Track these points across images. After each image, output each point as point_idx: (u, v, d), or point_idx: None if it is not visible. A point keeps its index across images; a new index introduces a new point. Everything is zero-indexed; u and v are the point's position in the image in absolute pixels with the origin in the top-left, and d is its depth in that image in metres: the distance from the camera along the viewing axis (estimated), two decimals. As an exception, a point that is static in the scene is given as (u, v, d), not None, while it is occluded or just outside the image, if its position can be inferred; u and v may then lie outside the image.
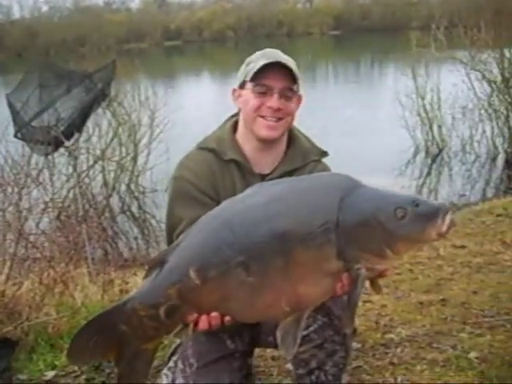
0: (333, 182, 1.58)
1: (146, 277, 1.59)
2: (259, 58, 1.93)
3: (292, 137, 2.05)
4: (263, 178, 1.96)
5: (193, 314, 1.55)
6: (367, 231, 1.48)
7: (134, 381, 1.63)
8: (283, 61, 1.90)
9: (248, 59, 1.99)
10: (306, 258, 1.48)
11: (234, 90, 2.01)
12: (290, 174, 1.98)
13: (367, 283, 1.58)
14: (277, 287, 1.50)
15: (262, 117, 1.92)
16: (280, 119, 1.93)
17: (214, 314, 1.55)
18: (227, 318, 1.56)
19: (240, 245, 1.49)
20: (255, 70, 1.89)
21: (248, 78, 1.92)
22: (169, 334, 1.62)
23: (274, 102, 1.90)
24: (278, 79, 1.90)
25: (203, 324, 1.56)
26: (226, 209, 1.60)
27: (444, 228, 1.47)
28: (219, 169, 1.96)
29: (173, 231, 1.91)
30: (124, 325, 1.55)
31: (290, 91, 1.93)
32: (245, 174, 1.96)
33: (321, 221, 1.48)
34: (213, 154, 1.98)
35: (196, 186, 1.92)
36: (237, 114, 2.07)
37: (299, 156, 2.02)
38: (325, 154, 2.07)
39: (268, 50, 1.98)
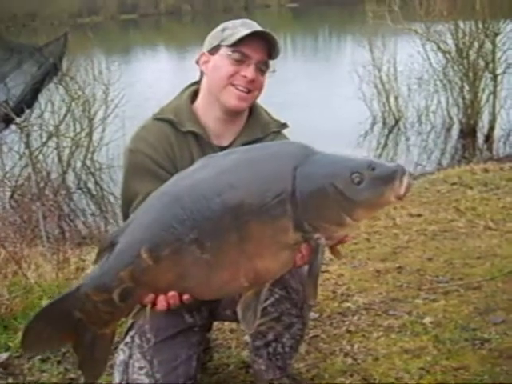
0: (285, 150, 1.53)
1: (96, 261, 1.52)
2: (238, 26, 1.86)
3: (252, 109, 1.99)
4: (222, 149, 1.88)
5: (149, 295, 1.51)
6: (324, 199, 1.44)
7: (95, 366, 1.59)
8: (268, 33, 1.83)
9: (223, 25, 1.91)
10: (262, 231, 1.43)
11: (202, 55, 1.92)
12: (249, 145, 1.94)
13: (327, 250, 1.54)
14: (233, 263, 1.45)
15: (233, 85, 1.85)
16: (250, 91, 1.87)
17: (171, 293, 1.50)
18: (186, 297, 1.52)
19: (192, 221, 1.43)
20: (239, 36, 1.81)
21: (227, 43, 1.84)
22: (126, 317, 1.58)
23: (250, 71, 1.84)
24: (257, 50, 1.84)
25: (161, 304, 1.52)
26: (176, 184, 1.53)
27: (402, 190, 1.44)
28: (176, 140, 1.89)
29: (129, 206, 1.85)
30: (78, 311, 1.50)
31: (265, 65, 1.88)
32: (203, 145, 1.89)
33: (275, 191, 1.42)
34: (170, 125, 1.90)
35: (152, 159, 1.84)
36: (196, 83, 2.00)
37: (259, 127, 1.97)
38: (284, 125, 2.03)
39: (247, 20, 1.91)
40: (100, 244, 1.57)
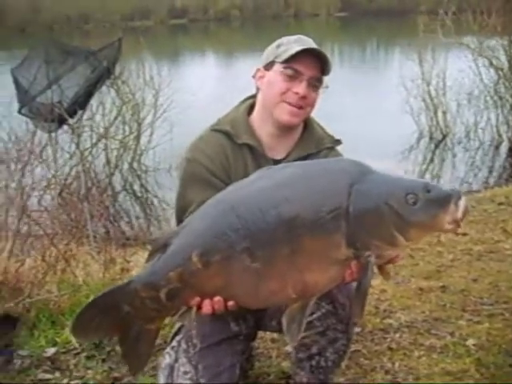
0: (342, 167, 1.55)
1: (148, 259, 1.59)
2: (292, 43, 1.90)
3: (306, 124, 2.03)
4: (276, 163, 1.93)
5: (195, 298, 1.55)
6: (378, 218, 1.45)
7: (138, 360, 1.65)
8: (320, 50, 1.88)
9: (278, 41, 1.96)
10: (314, 245, 1.45)
11: (258, 70, 1.98)
12: (303, 160, 1.94)
13: (376, 269, 1.55)
14: (283, 274, 1.48)
15: (286, 102, 1.89)
16: (302, 108, 1.91)
17: (217, 298, 1.54)
18: (231, 303, 1.56)
19: (245, 230, 1.47)
20: (291, 52, 1.86)
21: (280, 60, 1.89)
22: (171, 316, 1.63)
23: (301, 88, 1.88)
24: (309, 67, 1.88)
25: (206, 308, 1.56)
26: (232, 193, 1.58)
27: (458, 214, 1.43)
28: (232, 152, 1.94)
29: (183, 213, 1.90)
30: (127, 305, 1.56)
31: (317, 81, 1.91)
32: (258, 158, 1.94)
33: (330, 207, 1.45)
34: (226, 137, 1.95)
35: (208, 169, 1.90)
36: (252, 96, 2.05)
37: (313, 143, 2.01)
38: (338, 142, 2.06)
39: (302, 37, 1.96)
40: (153, 244, 1.64)
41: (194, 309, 1.57)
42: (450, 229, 1.48)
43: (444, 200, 1.45)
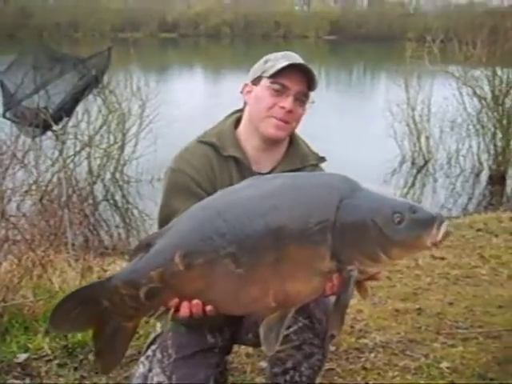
0: (332, 181, 1.58)
1: (131, 258, 1.60)
2: (280, 58, 1.93)
3: (292, 140, 2.05)
4: None
5: (174, 299, 1.55)
6: (364, 233, 1.49)
7: (111, 357, 1.64)
8: (306, 66, 1.90)
9: (266, 57, 1.98)
10: (299, 255, 1.47)
11: (246, 85, 2.00)
12: None
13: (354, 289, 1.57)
14: (265, 282, 1.49)
15: (273, 117, 1.91)
16: (288, 122, 1.93)
17: (195, 301, 1.55)
18: (209, 308, 1.56)
19: (232, 235, 1.48)
20: (278, 67, 1.88)
21: (267, 75, 1.91)
22: (149, 316, 1.63)
23: (288, 102, 1.90)
24: (296, 82, 1.91)
25: (184, 310, 1.56)
26: (220, 198, 1.59)
27: (439, 237, 1.48)
28: (218, 164, 1.95)
29: (166, 223, 1.88)
30: (106, 300, 1.56)
31: (304, 96, 1.94)
32: (243, 171, 1.95)
33: (318, 219, 1.48)
34: (212, 149, 1.97)
35: (193, 179, 1.91)
36: (239, 110, 2.07)
37: (298, 158, 2.03)
38: (322, 159, 2.08)
39: (289, 53, 1.98)
40: (137, 244, 1.64)
41: (172, 310, 1.57)
42: (430, 248, 1.52)
43: (428, 222, 1.49)
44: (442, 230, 1.48)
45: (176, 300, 1.55)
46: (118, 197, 8.61)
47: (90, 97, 7.51)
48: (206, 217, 1.53)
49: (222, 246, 1.48)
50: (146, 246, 1.57)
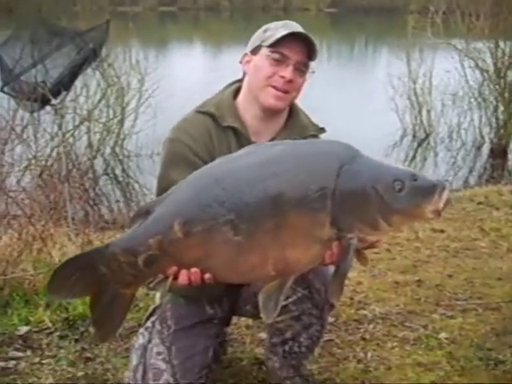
0: (333, 148, 1.56)
1: (130, 225, 1.59)
2: (280, 27, 1.89)
3: (292, 110, 2.03)
4: None
5: (172, 267, 1.55)
6: (364, 201, 1.48)
7: (108, 325, 1.65)
8: (306, 35, 1.87)
9: (265, 26, 1.95)
10: (299, 222, 1.46)
11: (245, 55, 1.97)
12: None
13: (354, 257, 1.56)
14: (264, 249, 1.48)
15: (273, 87, 1.89)
16: (287, 92, 1.90)
17: (193, 269, 1.54)
18: (208, 276, 1.55)
19: (231, 203, 1.47)
20: (277, 36, 1.85)
21: (266, 44, 1.88)
22: (147, 284, 1.62)
23: (288, 72, 1.87)
24: (296, 51, 1.88)
25: (182, 278, 1.55)
26: (219, 166, 1.57)
27: (440, 205, 1.47)
28: (216, 134, 1.93)
29: (164, 192, 1.88)
30: (104, 267, 1.56)
31: (304, 66, 1.91)
32: (242, 141, 1.92)
33: (318, 186, 1.46)
34: (211, 119, 1.94)
35: (191, 149, 1.89)
36: (239, 81, 2.04)
37: (297, 129, 2.01)
38: (322, 130, 2.06)
39: (289, 22, 1.95)
40: (136, 210, 1.64)
41: (171, 278, 1.57)
42: (431, 217, 1.51)
43: (429, 190, 1.48)
44: (444, 198, 1.47)
45: (174, 268, 1.55)
46: (118, 171, 8.59)
47: (89, 71, 7.45)
48: (205, 184, 1.53)
49: (221, 213, 1.47)
50: (144, 213, 1.56)
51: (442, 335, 2.67)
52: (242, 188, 1.48)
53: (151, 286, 1.60)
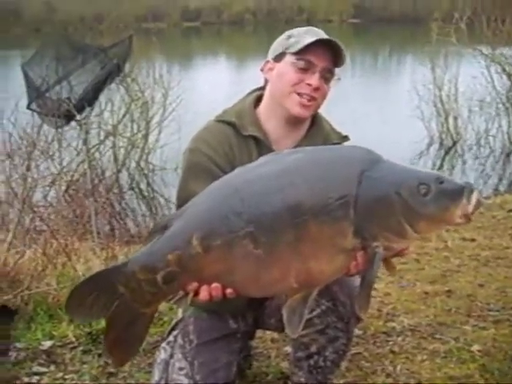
0: (353, 154, 1.50)
1: (147, 241, 1.54)
2: (303, 34, 1.85)
3: (315, 118, 1.98)
4: None
5: (192, 283, 1.49)
6: (388, 207, 1.41)
7: (128, 347, 1.59)
8: (333, 40, 1.82)
9: (288, 32, 1.91)
10: (320, 232, 1.40)
11: (267, 62, 1.92)
12: None
13: (381, 265, 1.49)
14: (286, 262, 1.42)
15: (298, 93, 1.84)
16: (313, 99, 1.85)
17: (214, 284, 1.49)
18: (229, 291, 1.50)
19: (249, 214, 1.42)
20: (304, 43, 1.81)
21: (291, 51, 1.84)
22: (167, 301, 1.58)
23: (314, 79, 1.82)
24: (322, 58, 1.83)
25: (204, 294, 1.50)
26: (237, 176, 1.52)
27: (470, 208, 1.39)
28: (237, 143, 1.89)
29: (184, 204, 1.85)
30: (122, 286, 1.51)
31: (330, 73, 1.86)
32: (263, 150, 1.86)
33: (339, 194, 1.40)
34: (232, 128, 1.90)
35: (211, 159, 1.85)
36: (260, 89, 2.00)
37: (320, 138, 1.95)
38: (346, 138, 2.01)
39: (312, 28, 1.91)
40: (153, 225, 1.59)
41: (191, 294, 1.52)
42: (461, 222, 1.43)
43: (456, 193, 1.41)
44: (473, 200, 1.39)
45: (195, 284, 1.50)
46: (143, 185, 8.64)
47: (113, 86, 7.54)
48: (223, 196, 1.48)
49: (240, 225, 1.42)
50: (162, 228, 1.51)
51: (475, 347, 2.57)
52: (260, 199, 1.43)
53: (171, 302, 1.56)
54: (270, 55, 1.93)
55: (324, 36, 1.86)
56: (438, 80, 9.79)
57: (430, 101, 9.83)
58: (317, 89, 1.84)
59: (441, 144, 9.99)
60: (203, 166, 1.85)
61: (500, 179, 8.67)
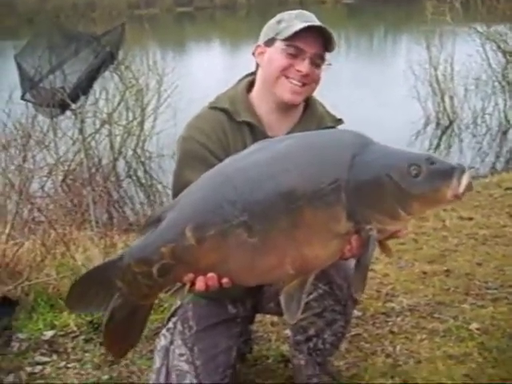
0: (343, 137, 1.51)
1: (142, 233, 1.54)
2: (294, 19, 1.84)
3: (308, 102, 1.97)
4: None
5: (188, 275, 1.50)
6: (380, 189, 1.42)
7: (126, 340, 1.61)
8: (323, 27, 1.81)
9: (279, 16, 1.89)
10: (314, 217, 1.41)
11: (258, 46, 1.92)
12: None
13: (376, 247, 1.50)
14: (281, 249, 1.43)
15: (287, 77, 1.83)
16: (305, 84, 1.85)
17: (210, 274, 1.49)
18: (225, 280, 1.50)
19: (243, 203, 1.42)
20: (293, 30, 1.79)
21: (281, 37, 1.83)
22: (164, 293, 1.58)
23: (304, 66, 1.82)
24: (312, 44, 1.82)
25: (200, 285, 1.51)
26: (229, 165, 1.52)
27: (461, 189, 1.40)
28: (231, 130, 1.88)
29: (179, 193, 1.83)
30: (119, 280, 1.52)
31: (320, 58, 1.85)
32: (257, 136, 1.86)
33: (330, 178, 1.41)
34: (225, 114, 1.90)
35: (206, 147, 1.84)
36: (252, 74, 1.99)
37: (314, 122, 1.95)
38: (340, 121, 2.00)
39: (303, 12, 1.89)
40: (147, 218, 1.59)
41: (188, 285, 1.52)
42: (451, 201, 1.44)
43: (447, 173, 1.41)
44: (464, 180, 1.40)
45: (191, 275, 1.50)
46: (140, 173, 8.63)
47: (107, 74, 7.49)
48: (215, 185, 1.48)
49: (234, 214, 1.42)
50: (156, 220, 1.51)
51: (473, 326, 2.59)
52: (252, 186, 1.43)
53: (168, 294, 1.56)
54: (261, 39, 1.92)
55: (315, 21, 1.85)
56: (434, 59, 9.73)
57: (426, 80, 9.78)
58: (306, 75, 1.83)
59: (437, 124, 9.96)
60: (197, 153, 1.85)
61: (497, 157, 8.65)
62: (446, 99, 9.91)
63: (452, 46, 9.74)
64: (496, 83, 9.65)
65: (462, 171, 1.41)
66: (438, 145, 9.37)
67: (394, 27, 26.07)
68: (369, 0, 47.17)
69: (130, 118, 8.76)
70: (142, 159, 8.90)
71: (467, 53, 9.26)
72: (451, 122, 9.96)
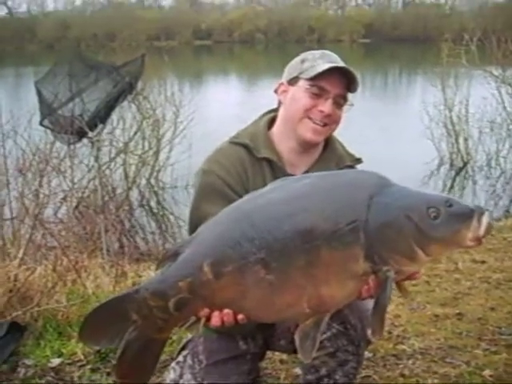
0: (362, 178, 1.51)
1: (158, 267, 1.54)
2: (317, 58, 1.87)
3: (328, 141, 1.98)
4: None
5: (204, 309, 1.49)
6: (398, 231, 1.41)
7: (140, 374, 1.58)
8: (347, 68, 1.84)
9: (302, 56, 1.92)
10: (332, 257, 1.40)
11: (281, 84, 1.94)
12: None
13: (393, 288, 1.49)
14: (298, 287, 1.42)
15: (310, 118, 1.85)
16: (326, 125, 1.87)
17: (226, 310, 1.48)
18: (241, 316, 1.49)
19: (260, 240, 1.42)
20: (318, 70, 1.82)
21: (305, 76, 1.85)
22: (179, 327, 1.57)
23: (326, 106, 1.84)
24: (335, 85, 1.84)
25: (215, 320, 1.50)
26: (248, 202, 1.52)
27: (481, 231, 1.39)
28: (251, 166, 1.89)
29: (196, 226, 1.78)
30: (135, 313, 1.51)
31: (343, 99, 1.87)
32: (277, 173, 1.87)
33: (349, 218, 1.41)
34: (245, 150, 1.90)
35: (225, 181, 1.85)
36: (273, 110, 2.01)
37: (333, 161, 1.96)
38: (358, 160, 2.01)
39: (327, 52, 1.92)
40: (164, 252, 1.59)
41: (203, 320, 1.51)
42: (472, 245, 1.44)
43: (466, 215, 1.41)
44: (484, 223, 1.39)
45: (206, 310, 1.49)
46: (153, 203, 8.66)
47: (125, 104, 7.59)
48: (233, 222, 1.48)
49: (251, 251, 1.42)
50: (173, 254, 1.51)
51: (486, 372, 2.54)
52: (270, 224, 1.43)
53: (183, 328, 1.55)
54: (284, 78, 1.94)
55: (338, 61, 1.87)
56: (449, 101, 9.79)
57: (441, 122, 9.82)
58: (329, 115, 1.85)
59: (451, 165, 9.97)
60: (216, 187, 1.85)
61: (511, 201, 8.61)
62: (461, 141, 9.93)
63: (467, 88, 9.80)
64: (511, 126, 9.66)
65: (482, 213, 1.40)
66: (452, 186, 9.35)
67: (409, 68, 26.31)
68: (385, 40, 47.80)
69: (146, 148, 8.84)
70: (156, 189, 8.95)
71: (482, 95, 9.30)
72: (465, 164, 9.95)
